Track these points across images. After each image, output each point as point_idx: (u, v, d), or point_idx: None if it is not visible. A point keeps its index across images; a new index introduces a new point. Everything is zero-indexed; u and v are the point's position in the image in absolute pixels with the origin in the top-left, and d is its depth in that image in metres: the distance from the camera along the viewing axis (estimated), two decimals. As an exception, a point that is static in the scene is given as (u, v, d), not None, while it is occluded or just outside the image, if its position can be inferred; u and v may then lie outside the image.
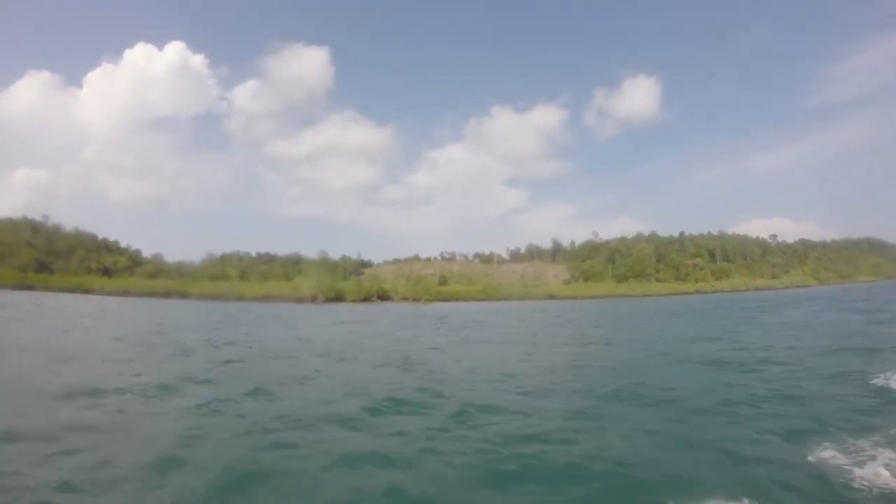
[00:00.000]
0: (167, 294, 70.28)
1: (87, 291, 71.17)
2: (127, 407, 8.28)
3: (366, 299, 71.73)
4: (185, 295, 70.45)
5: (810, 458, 5.75)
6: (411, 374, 11.91)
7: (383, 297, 74.69)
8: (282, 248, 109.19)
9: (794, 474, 5.34)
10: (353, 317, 37.88)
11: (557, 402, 8.96)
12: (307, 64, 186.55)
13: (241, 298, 67.37)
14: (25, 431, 6.72)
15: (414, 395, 9.37)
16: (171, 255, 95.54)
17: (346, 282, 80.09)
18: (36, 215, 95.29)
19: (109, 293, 69.37)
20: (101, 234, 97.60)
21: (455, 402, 8.68)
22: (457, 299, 77.72)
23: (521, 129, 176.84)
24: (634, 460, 5.90)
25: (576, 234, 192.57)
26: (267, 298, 67.85)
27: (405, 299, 74.52)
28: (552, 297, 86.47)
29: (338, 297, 69.94)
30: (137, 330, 22.92)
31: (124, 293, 69.35)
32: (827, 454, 5.77)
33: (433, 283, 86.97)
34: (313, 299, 67.48)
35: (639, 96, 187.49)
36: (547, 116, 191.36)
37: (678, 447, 6.39)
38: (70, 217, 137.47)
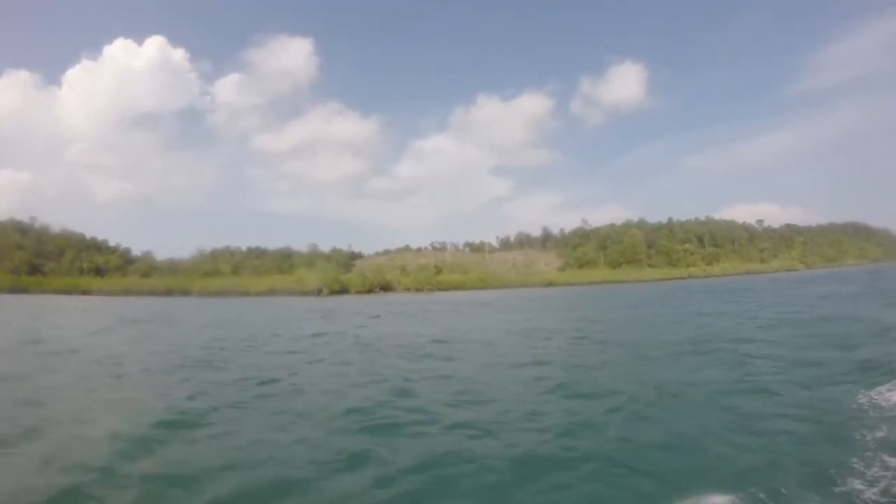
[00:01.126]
0: (168, 292, 69.82)
1: (84, 292, 70.24)
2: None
3: (370, 291, 72.31)
4: (186, 292, 70.07)
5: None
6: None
7: (386, 288, 75.35)
8: (270, 243, 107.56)
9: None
10: (391, 308, 35.86)
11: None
12: (291, 56, 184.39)
13: (245, 294, 67.32)
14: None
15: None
16: (160, 253, 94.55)
17: (350, 274, 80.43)
18: (23, 217, 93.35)
19: (110, 293, 68.62)
20: (88, 235, 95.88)
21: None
22: (456, 288, 78.65)
23: (508, 118, 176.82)
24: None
25: (563, 221, 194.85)
26: (271, 293, 67.93)
27: (407, 290, 75.27)
28: (550, 284, 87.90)
29: (342, 290, 70.38)
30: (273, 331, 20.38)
31: (125, 293, 68.68)
32: None
33: (433, 274, 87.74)
34: (319, 292, 67.77)
35: (625, 83, 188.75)
36: (533, 105, 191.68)
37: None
38: (56, 218, 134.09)
